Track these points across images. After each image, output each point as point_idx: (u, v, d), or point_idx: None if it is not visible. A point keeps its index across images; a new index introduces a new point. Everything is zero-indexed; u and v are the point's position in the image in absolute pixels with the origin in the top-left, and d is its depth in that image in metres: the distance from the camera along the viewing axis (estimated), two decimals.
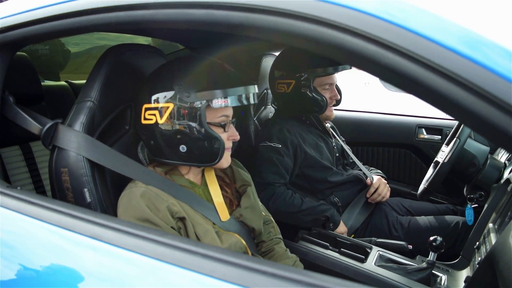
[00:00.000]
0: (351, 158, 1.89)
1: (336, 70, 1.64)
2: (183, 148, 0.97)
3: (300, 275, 0.55)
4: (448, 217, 1.65)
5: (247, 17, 0.63)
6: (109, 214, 0.96)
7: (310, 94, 1.62)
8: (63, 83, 2.03)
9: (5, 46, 0.98)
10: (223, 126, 1.00)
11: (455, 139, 1.59)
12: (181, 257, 0.62)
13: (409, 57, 0.52)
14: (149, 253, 0.64)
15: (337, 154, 1.79)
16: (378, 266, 1.34)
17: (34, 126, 0.99)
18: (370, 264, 1.34)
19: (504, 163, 1.67)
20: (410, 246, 1.46)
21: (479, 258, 1.20)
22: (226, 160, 1.04)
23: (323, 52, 0.60)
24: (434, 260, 1.28)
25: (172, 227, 0.92)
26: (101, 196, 0.95)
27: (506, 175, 1.52)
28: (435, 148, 2.08)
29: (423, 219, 1.65)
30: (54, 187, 0.97)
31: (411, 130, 2.28)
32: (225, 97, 0.94)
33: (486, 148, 1.69)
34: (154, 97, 0.96)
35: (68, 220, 0.74)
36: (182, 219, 0.95)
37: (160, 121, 0.95)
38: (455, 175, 1.69)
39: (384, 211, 1.70)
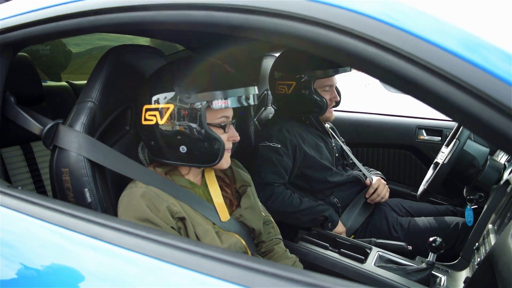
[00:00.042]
0: (351, 159, 1.89)
1: (337, 72, 1.64)
2: (183, 148, 0.97)
3: (300, 275, 0.55)
4: (448, 218, 1.65)
5: (247, 19, 0.63)
6: (109, 214, 0.96)
7: (310, 96, 1.62)
8: (63, 83, 2.03)
9: (7, 47, 0.98)
10: (223, 127, 1.01)
11: (455, 140, 1.59)
12: (181, 256, 0.62)
13: (409, 59, 0.52)
14: (149, 252, 0.64)
15: (336, 155, 1.79)
16: (378, 266, 1.34)
17: (35, 126, 0.99)
18: (370, 265, 1.34)
19: (504, 164, 1.67)
20: (410, 247, 1.47)
21: (479, 259, 1.21)
22: (226, 161, 1.04)
23: (323, 54, 0.60)
24: (434, 260, 1.29)
25: (172, 227, 0.93)
26: (101, 196, 0.95)
27: (505, 176, 1.52)
28: (435, 149, 2.08)
29: (422, 220, 1.65)
30: (54, 187, 0.97)
31: (411, 131, 2.28)
32: (225, 98, 0.94)
33: (486, 150, 1.69)
34: (154, 98, 0.96)
35: (69, 220, 0.74)
36: (182, 219, 0.96)
37: (161, 122, 0.96)
38: (455, 176, 1.69)
39: (384, 212, 1.71)
